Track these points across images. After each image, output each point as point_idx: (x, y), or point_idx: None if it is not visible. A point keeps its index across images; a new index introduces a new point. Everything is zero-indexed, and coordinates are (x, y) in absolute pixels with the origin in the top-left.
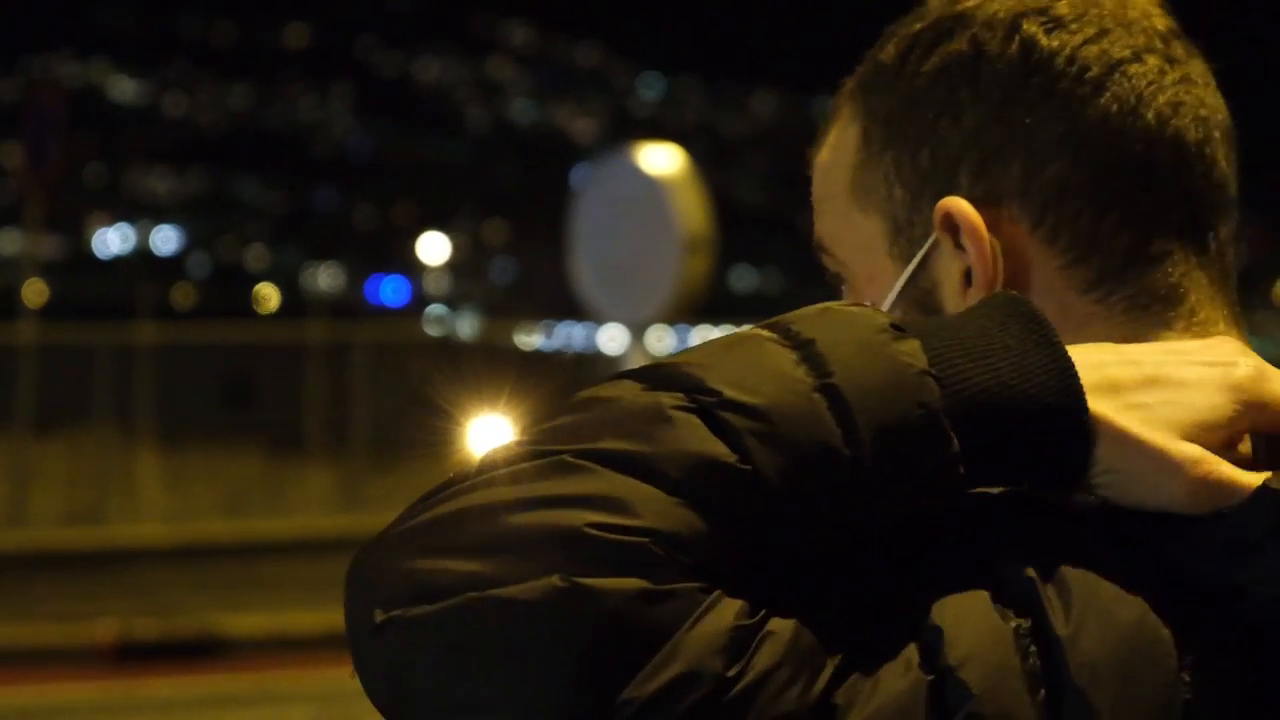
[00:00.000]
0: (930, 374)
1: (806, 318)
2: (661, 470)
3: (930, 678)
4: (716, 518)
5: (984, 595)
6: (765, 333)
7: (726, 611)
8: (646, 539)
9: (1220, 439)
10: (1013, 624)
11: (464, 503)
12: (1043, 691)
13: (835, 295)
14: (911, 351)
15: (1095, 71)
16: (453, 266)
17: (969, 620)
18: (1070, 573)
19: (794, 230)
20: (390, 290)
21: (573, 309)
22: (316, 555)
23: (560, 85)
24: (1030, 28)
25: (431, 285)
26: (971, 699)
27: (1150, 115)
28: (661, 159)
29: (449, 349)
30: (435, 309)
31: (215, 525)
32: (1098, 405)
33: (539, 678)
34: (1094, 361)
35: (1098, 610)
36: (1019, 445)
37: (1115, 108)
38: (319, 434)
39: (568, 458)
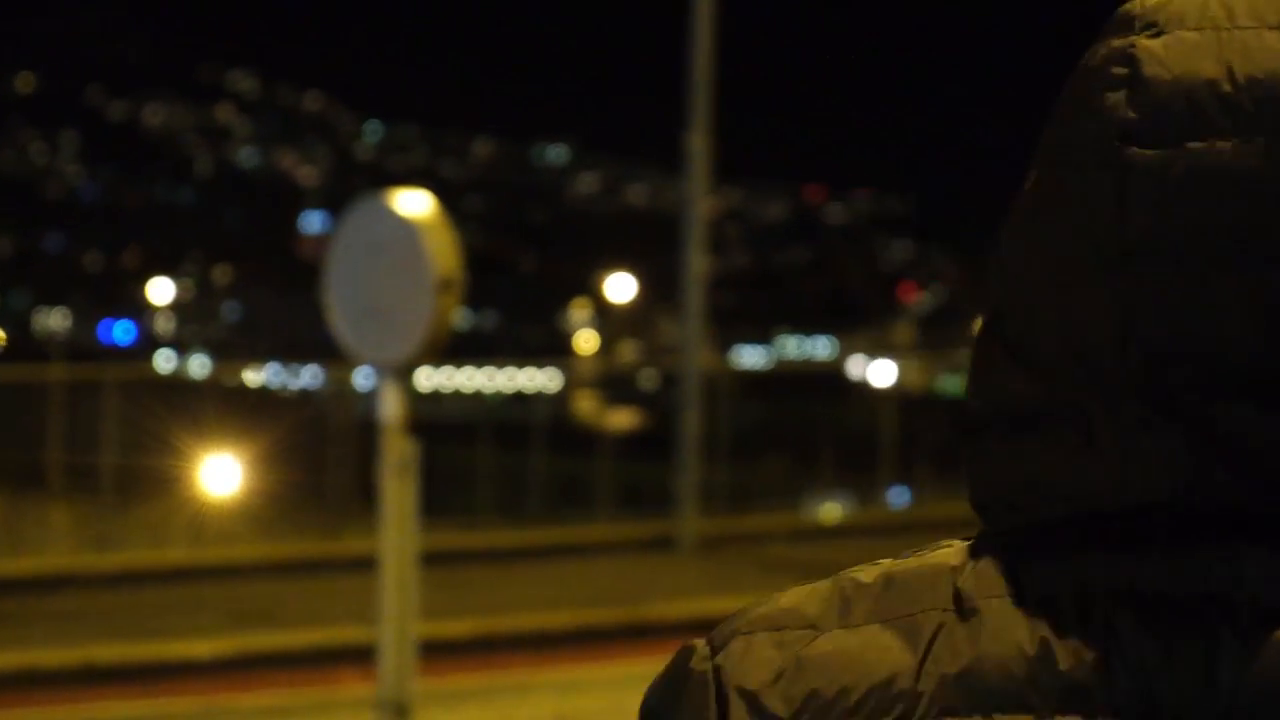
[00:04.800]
0: None
1: None
2: None
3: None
4: None
5: None
6: None
7: None
8: None
9: None
10: None
11: None
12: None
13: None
14: None
15: None
16: (181, 308)
17: None
18: None
19: (512, 272)
20: (120, 332)
21: (303, 349)
22: (61, 592)
23: (285, 132)
24: None
25: (160, 327)
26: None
27: None
28: (414, 203)
29: (185, 389)
30: (165, 350)
31: None
32: None
33: None
34: None
35: None
36: None
37: None
38: (60, 472)
39: None
